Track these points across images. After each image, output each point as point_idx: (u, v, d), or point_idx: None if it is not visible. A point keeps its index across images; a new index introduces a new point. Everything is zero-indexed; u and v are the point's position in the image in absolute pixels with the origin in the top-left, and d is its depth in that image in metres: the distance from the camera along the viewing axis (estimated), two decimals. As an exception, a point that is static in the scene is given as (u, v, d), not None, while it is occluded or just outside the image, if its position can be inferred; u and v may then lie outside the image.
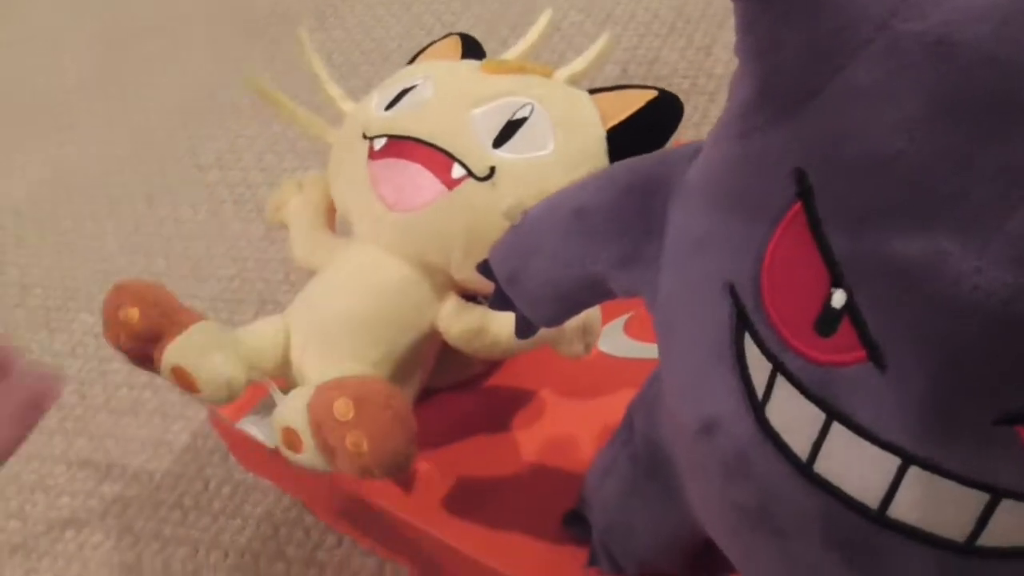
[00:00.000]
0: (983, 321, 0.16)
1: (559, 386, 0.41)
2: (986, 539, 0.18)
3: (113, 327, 0.36)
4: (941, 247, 0.16)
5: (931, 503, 0.18)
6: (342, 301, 0.38)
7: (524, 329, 0.31)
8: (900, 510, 0.18)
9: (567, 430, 0.39)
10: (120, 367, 0.59)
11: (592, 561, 0.33)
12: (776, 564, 0.22)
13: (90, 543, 0.51)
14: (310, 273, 0.42)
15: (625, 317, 0.42)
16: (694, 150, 0.23)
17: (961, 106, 0.16)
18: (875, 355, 0.17)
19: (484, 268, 0.30)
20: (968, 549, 0.18)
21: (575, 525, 0.33)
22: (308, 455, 0.33)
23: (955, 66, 0.16)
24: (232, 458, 0.49)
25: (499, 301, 0.30)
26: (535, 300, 0.28)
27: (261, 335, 0.38)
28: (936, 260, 0.16)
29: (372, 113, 0.39)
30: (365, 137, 0.38)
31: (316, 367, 0.37)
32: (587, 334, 0.36)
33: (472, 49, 0.43)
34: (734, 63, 0.21)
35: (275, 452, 0.36)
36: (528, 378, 0.42)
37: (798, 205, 0.18)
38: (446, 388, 0.42)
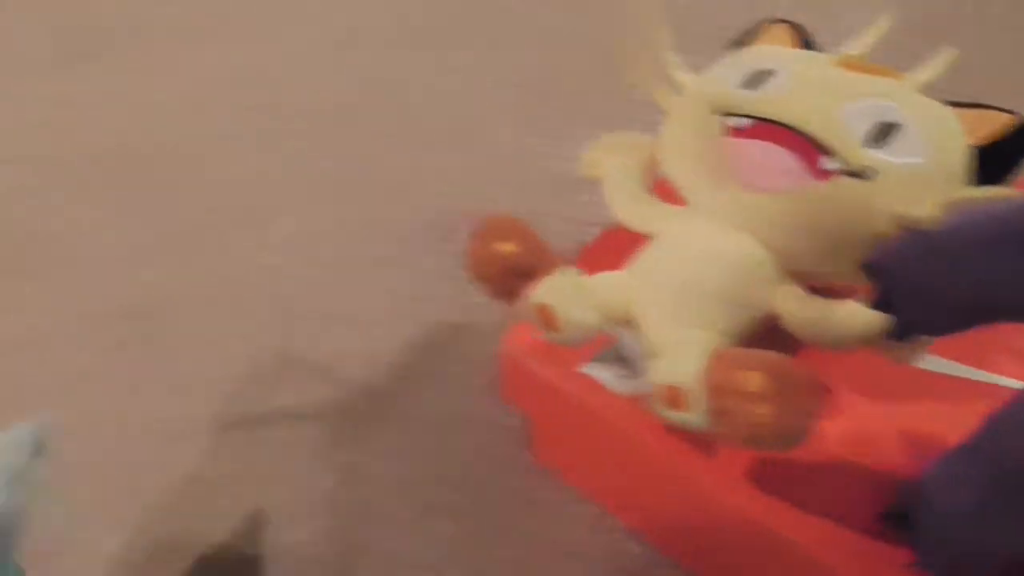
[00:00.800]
0: None
1: (865, 387, 0.40)
2: None
3: (485, 257, 0.37)
4: None
5: None
6: (693, 269, 0.39)
7: (904, 332, 0.30)
8: None
9: (874, 430, 0.39)
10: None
11: (921, 564, 0.33)
12: None
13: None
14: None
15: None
16: None
17: None
18: None
19: (871, 268, 0.29)
20: None
21: (895, 523, 0.34)
22: (692, 415, 0.34)
23: None
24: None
25: (884, 303, 0.29)
26: (939, 310, 0.28)
27: (614, 288, 0.40)
28: None
29: (727, 90, 0.38)
30: (723, 113, 0.38)
31: (664, 329, 0.38)
32: (923, 343, 0.36)
33: (807, 40, 0.42)
34: None
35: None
36: (831, 372, 0.41)
37: None
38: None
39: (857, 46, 0.41)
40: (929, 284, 0.27)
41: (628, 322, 0.39)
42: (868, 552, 0.34)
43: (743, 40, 0.43)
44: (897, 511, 0.34)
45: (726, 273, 0.37)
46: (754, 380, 0.31)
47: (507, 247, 0.37)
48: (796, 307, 0.36)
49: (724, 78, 0.39)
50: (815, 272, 0.36)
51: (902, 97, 0.36)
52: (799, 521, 0.36)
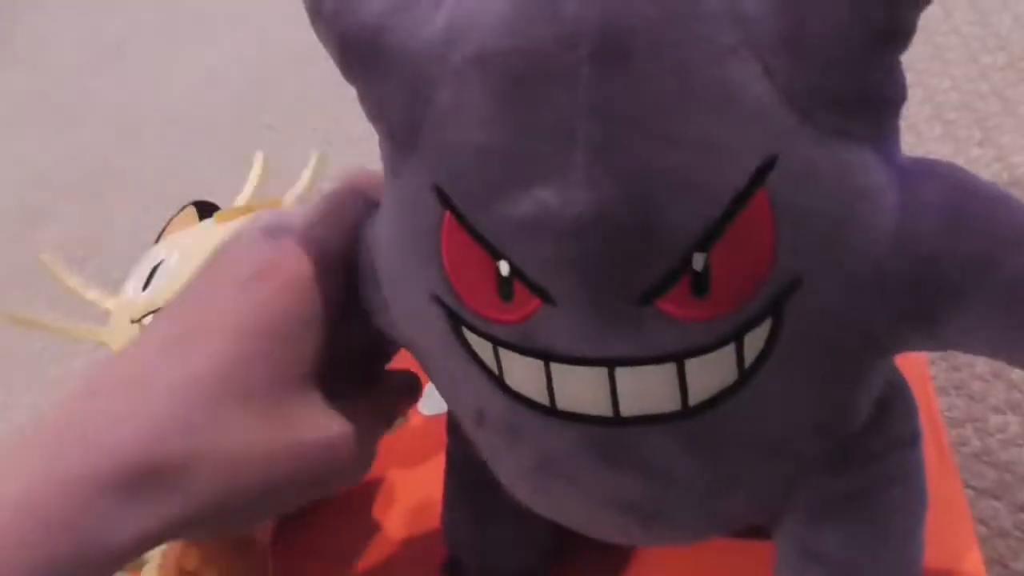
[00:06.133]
0: (590, 237, 0.20)
1: (395, 460, 0.43)
2: (693, 398, 0.22)
3: None
4: (539, 197, 0.20)
5: (643, 389, 0.22)
6: None
7: None
8: (628, 406, 0.22)
9: (416, 498, 0.41)
10: None
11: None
12: (577, 502, 0.25)
13: None
14: None
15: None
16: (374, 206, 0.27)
17: (512, 93, 0.20)
18: (545, 296, 0.21)
19: None
20: (686, 411, 0.22)
21: (455, 572, 0.35)
22: None
23: (496, 68, 0.21)
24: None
25: None
26: None
27: None
28: (540, 208, 0.20)
29: (132, 298, 0.41)
30: (132, 322, 0.40)
31: None
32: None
33: (209, 212, 0.46)
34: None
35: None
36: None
37: (447, 213, 0.22)
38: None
39: (245, 191, 0.46)
40: None
41: None
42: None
43: (159, 236, 0.47)
44: (452, 561, 0.36)
45: None
46: None
47: None
48: None
49: (129, 288, 0.41)
50: None
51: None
52: None
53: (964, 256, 0.21)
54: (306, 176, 0.45)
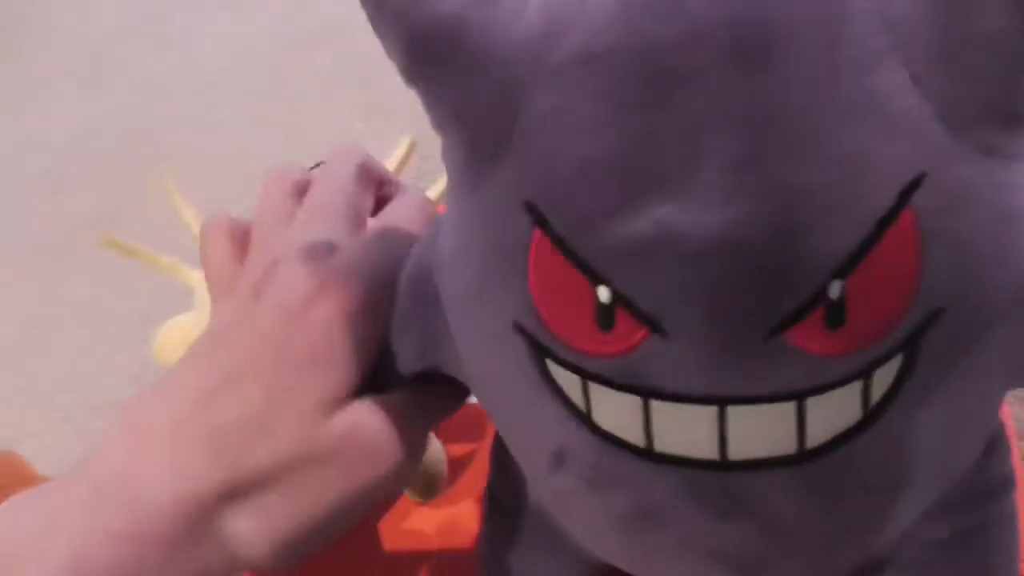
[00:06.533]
0: (716, 262, 0.18)
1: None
2: (811, 440, 0.20)
3: None
4: (659, 217, 0.18)
5: (757, 430, 0.20)
6: None
7: None
8: (737, 448, 0.20)
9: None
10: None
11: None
12: (673, 551, 0.23)
13: None
14: None
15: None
16: (435, 228, 0.25)
17: (626, 97, 0.18)
18: (654, 326, 0.19)
19: None
20: (802, 454, 0.20)
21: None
22: None
23: (607, 69, 0.18)
24: None
25: None
26: None
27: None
28: (660, 229, 0.18)
29: None
30: None
31: None
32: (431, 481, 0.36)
33: None
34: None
35: None
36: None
37: (538, 232, 0.20)
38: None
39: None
40: None
41: None
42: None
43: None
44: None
45: None
46: None
47: None
48: None
49: None
50: None
51: None
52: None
53: None
54: (394, 160, 0.42)
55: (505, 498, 0.30)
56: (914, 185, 0.18)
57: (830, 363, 0.19)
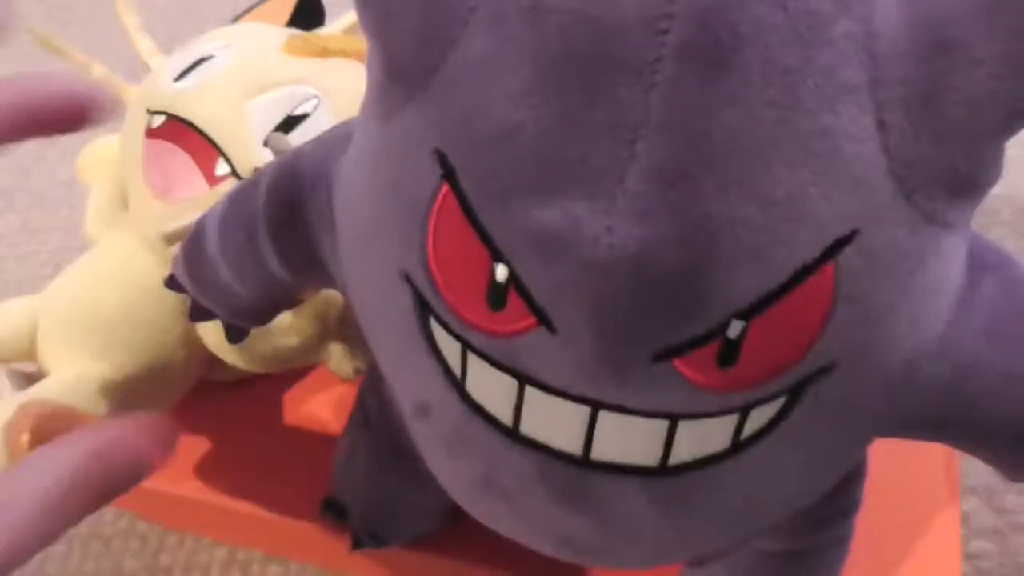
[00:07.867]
0: (622, 275, 0.16)
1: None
2: (674, 458, 0.19)
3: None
4: (574, 213, 0.16)
5: (624, 438, 0.19)
6: (89, 293, 0.34)
7: (235, 335, 0.29)
8: (601, 450, 0.20)
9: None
10: None
11: (356, 544, 0.32)
12: (512, 521, 0.23)
13: None
14: None
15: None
16: (346, 134, 0.22)
17: (565, 70, 0.16)
18: (544, 320, 0.18)
19: (171, 282, 0.28)
20: (663, 469, 0.20)
21: (333, 512, 0.33)
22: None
23: (551, 30, 0.16)
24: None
25: (196, 311, 0.28)
26: (223, 302, 0.27)
27: (4, 317, 0.34)
28: (572, 225, 0.16)
29: (159, 83, 0.34)
30: (147, 111, 0.34)
31: (56, 360, 0.33)
32: (354, 359, 0.35)
33: (310, 13, 0.38)
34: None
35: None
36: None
37: (445, 187, 0.18)
38: (231, 381, 0.39)
39: (343, 20, 0.37)
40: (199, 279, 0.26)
41: (32, 354, 0.34)
42: (319, 545, 0.34)
43: (238, 17, 0.39)
44: (334, 499, 0.33)
45: (129, 299, 0.33)
46: (23, 441, 0.28)
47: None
48: (211, 331, 0.34)
49: (169, 68, 0.34)
50: None
51: (328, 84, 0.33)
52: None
53: (1003, 370, 0.19)
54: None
55: (372, 412, 0.29)
56: (844, 241, 0.17)
57: (712, 396, 0.18)
